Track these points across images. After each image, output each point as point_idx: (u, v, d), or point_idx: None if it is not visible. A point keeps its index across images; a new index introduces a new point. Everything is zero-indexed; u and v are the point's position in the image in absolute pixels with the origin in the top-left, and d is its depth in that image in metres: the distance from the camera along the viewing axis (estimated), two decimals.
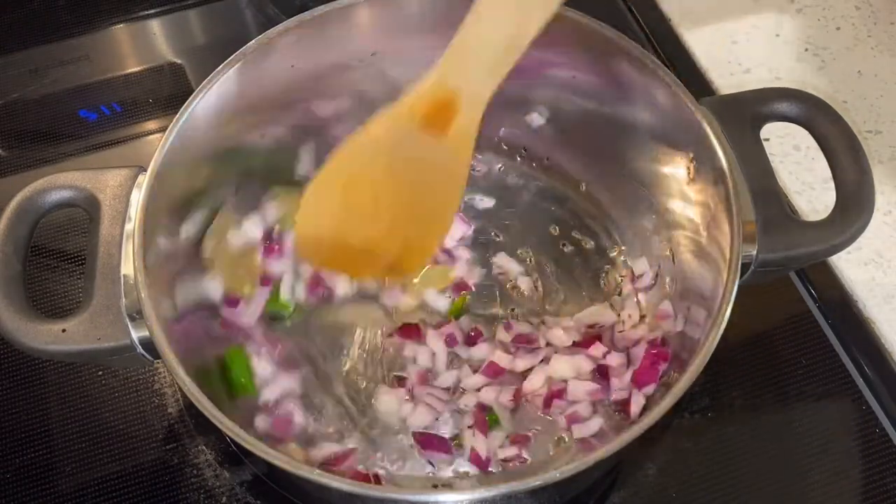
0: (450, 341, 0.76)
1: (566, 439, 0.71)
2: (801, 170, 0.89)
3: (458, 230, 0.83)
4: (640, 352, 0.72)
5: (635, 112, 0.74)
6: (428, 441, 0.72)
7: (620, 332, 0.76)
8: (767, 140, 0.88)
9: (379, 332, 0.78)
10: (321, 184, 0.66)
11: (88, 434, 0.75)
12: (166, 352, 0.59)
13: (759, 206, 0.65)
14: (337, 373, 0.76)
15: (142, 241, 0.62)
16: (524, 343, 0.75)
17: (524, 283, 0.81)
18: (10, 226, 0.63)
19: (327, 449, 0.71)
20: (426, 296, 0.80)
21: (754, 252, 0.64)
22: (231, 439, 0.61)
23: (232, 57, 0.70)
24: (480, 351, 0.76)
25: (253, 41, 0.71)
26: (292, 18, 0.72)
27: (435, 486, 0.70)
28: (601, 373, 0.73)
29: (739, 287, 0.61)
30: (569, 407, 0.72)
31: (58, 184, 0.65)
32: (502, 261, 0.82)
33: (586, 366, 0.73)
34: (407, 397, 0.74)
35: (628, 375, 0.71)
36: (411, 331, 0.77)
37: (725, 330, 0.59)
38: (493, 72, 0.59)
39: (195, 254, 0.73)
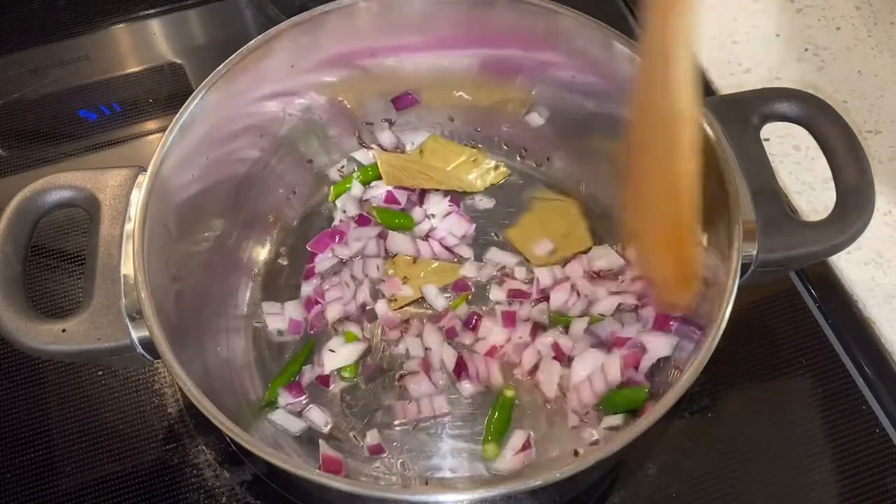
0: (450, 333, 0.77)
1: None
2: (801, 170, 0.88)
3: (461, 228, 0.83)
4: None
5: None
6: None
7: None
8: (767, 140, 0.88)
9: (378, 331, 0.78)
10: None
11: (88, 434, 0.75)
12: (166, 352, 0.59)
13: (759, 206, 0.65)
14: None
15: (142, 241, 0.62)
16: (519, 297, 0.78)
17: (520, 274, 0.81)
18: (10, 226, 0.63)
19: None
20: (426, 291, 0.80)
21: (754, 252, 0.64)
22: (231, 439, 0.61)
23: (232, 57, 0.70)
24: (485, 329, 0.77)
25: (253, 41, 0.71)
26: (292, 18, 0.72)
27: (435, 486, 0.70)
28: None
29: (739, 287, 0.61)
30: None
31: (58, 184, 0.65)
32: (497, 256, 0.82)
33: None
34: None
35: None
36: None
37: (725, 330, 0.59)
38: None
39: (195, 254, 0.73)
